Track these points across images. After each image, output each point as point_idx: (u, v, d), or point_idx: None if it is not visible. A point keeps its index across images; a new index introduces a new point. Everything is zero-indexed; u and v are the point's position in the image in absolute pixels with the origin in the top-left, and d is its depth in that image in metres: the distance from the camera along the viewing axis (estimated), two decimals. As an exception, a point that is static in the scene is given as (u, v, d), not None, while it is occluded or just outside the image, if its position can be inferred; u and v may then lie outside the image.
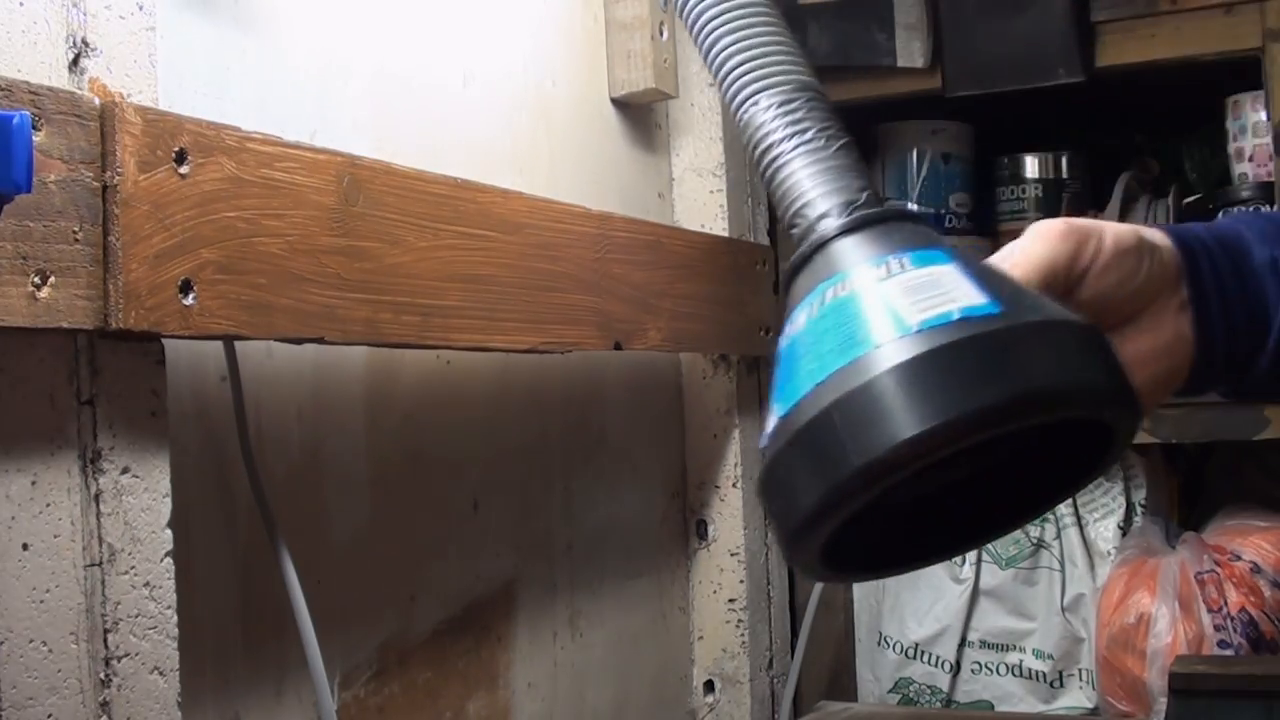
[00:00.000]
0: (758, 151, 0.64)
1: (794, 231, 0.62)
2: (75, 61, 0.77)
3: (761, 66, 0.64)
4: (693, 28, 0.66)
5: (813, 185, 0.62)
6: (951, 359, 0.53)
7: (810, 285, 0.59)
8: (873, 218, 0.59)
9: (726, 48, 0.64)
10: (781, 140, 0.63)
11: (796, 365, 0.57)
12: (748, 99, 0.64)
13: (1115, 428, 0.58)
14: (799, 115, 0.63)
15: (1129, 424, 0.58)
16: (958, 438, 0.52)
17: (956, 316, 0.53)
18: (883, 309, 0.55)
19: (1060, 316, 0.56)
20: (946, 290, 0.55)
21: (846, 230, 0.59)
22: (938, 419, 0.51)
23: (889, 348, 0.53)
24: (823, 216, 0.60)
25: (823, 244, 0.60)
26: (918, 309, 0.54)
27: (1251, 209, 1.51)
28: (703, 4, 0.65)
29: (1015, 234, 0.70)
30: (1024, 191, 1.76)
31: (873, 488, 0.53)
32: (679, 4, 0.66)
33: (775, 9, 0.66)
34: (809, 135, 0.63)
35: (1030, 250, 0.65)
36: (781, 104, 0.63)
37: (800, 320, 0.58)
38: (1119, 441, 0.59)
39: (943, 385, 0.52)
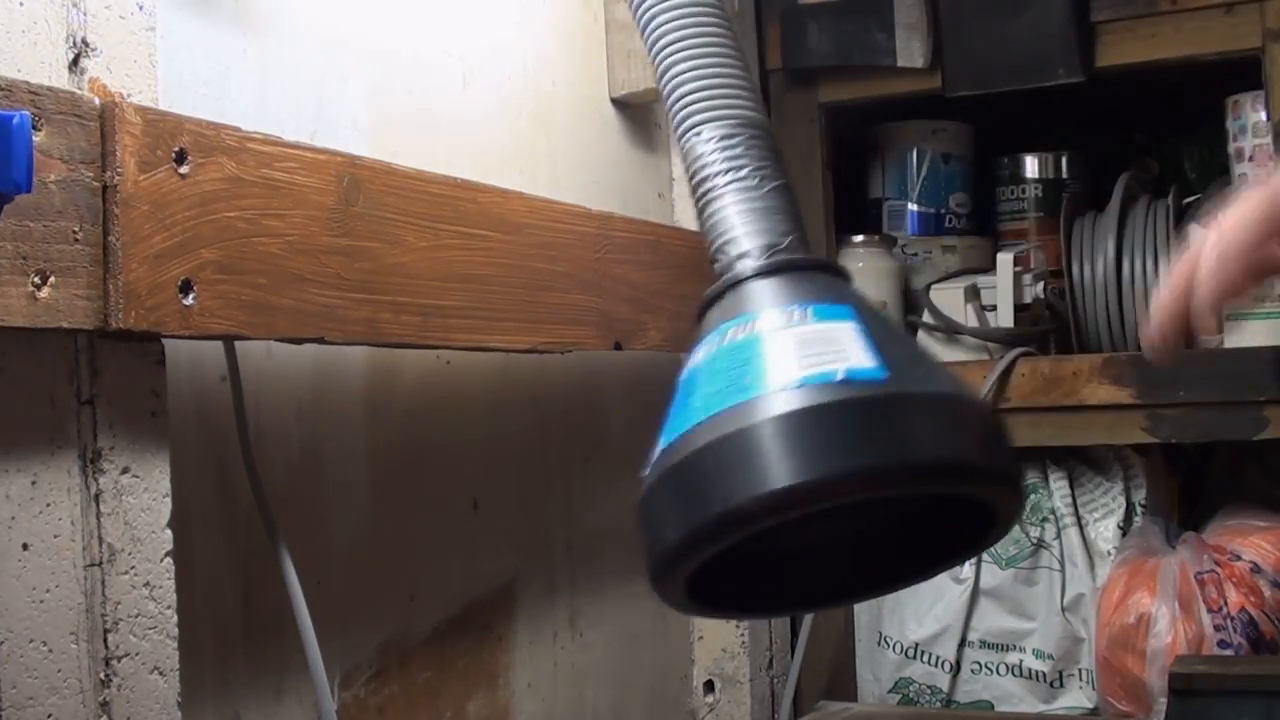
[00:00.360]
0: (694, 181, 0.65)
1: (715, 266, 0.63)
2: (75, 61, 0.77)
3: (709, 97, 0.64)
4: (650, 48, 0.67)
5: (739, 223, 0.63)
6: (826, 419, 0.53)
7: (718, 321, 0.60)
8: (788, 264, 0.60)
9: (678, 75, 0.65)
10: (716, 174, 0.64)
11: (688, 399, 0.58)
12: (691, 128, 0.65)
13: (993, 507, 0.58)
14: (737, 152, 0.64)
15: (1008, 505, 0.58)
16: (819, 497, 0.52)
17: (840, 377, 0.54)
18: (773, 358, 0.55)
19: (950, 390, 0.56)
20: (838, 348, 0.55)
21: (761, 273, 0.60)
22: (801, 477, 0.52)
23: (770, 398, 0.54)
24: (742, 256, 0.62)
25: (736, 283, 0.61)
26: (805, 364, 0.54)
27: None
28: (659, 24, 0.65)
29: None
30: (1024, 191, 1.76)
31: (731, 534, 0.54)
32: (639, 19, 0.67)
33: (732, 33, 0.66)
34: (744, 173, 0.63)
35: (1240, 206, 0.66)
36: (722, 138, 0.64)
37: (700, 355, 0.59)
38: (1001, 520, 0.59)
39: (813, 444, 0.52)
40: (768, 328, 0.57)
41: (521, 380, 1.27)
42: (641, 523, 0.58)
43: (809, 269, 0.61)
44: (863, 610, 1.70)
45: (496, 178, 1.15)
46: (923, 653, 1.63)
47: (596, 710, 1.37)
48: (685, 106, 0.65)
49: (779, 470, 0.52)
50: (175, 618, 0.81)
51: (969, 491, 0.56)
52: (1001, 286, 1.66)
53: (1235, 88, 1.55)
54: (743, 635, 1.54)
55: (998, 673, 1.61)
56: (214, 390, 0.93)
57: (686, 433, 0.56)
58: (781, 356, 0.55)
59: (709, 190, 0.64)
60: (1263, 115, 1.50)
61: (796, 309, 0.58)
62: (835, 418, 0.53)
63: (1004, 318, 1.66)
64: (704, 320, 0.62)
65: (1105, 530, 1.58)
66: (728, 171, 0.64)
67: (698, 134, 0.64)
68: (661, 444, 0.57)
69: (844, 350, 0.55)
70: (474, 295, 1.04)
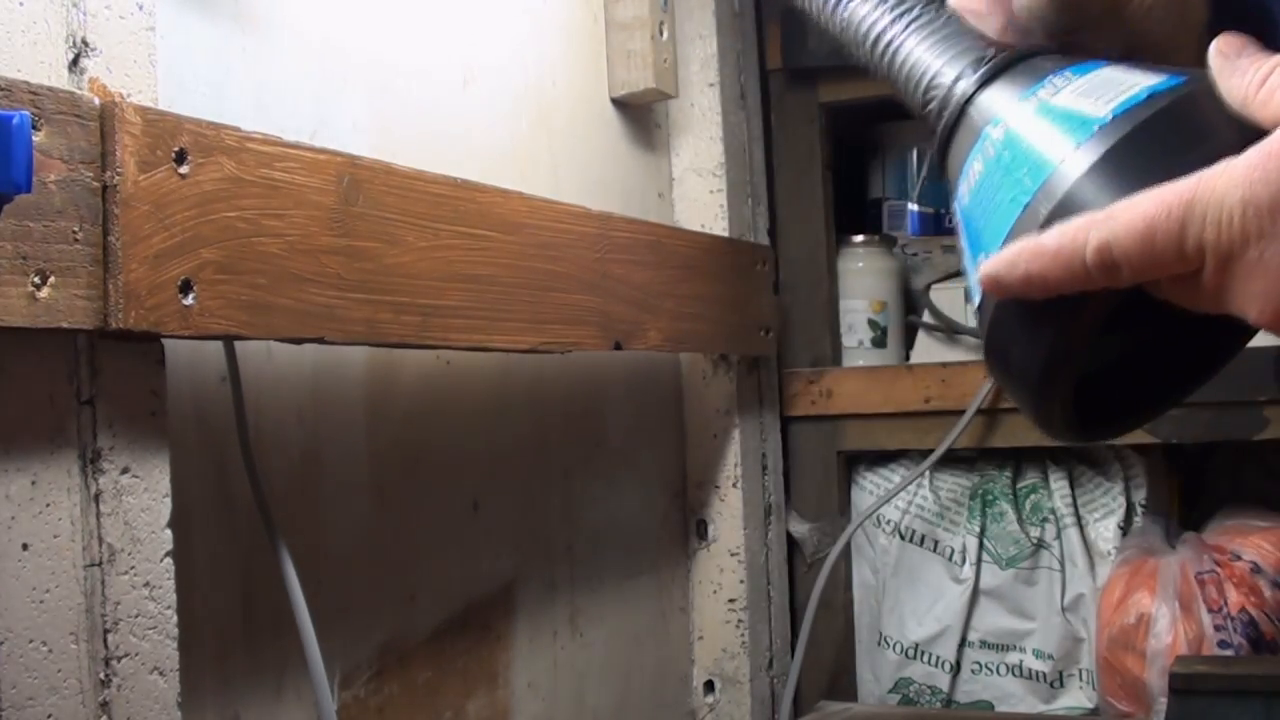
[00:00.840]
0: (867, 45, 0.63)
1: (930, 108, 0.60)
2: (75, 61, 0.77)
3: None
4: None
5: (935, 57, 0.61)
6: (1161, 125, 0.50)
7: (969, 141, 0.57)
8: (1009, 61, 0.58)
9: None
10: (889, 26, 0.62)
11: (989, 208, 0.54)
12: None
13: None
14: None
15: None
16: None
17: (1145, 95, 0.51)
18: (1066, 116, 0.53)
19: None
20: (1123, 81, 0.53)
21: (987, 80, 0.58)
22: (1174, 178, 0.48)
23: (1089, 143, 0.51)
24: (958, 79, 0.59)
25: (968, 100, 0.58)
26: (1103, 103, 0.52)
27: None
28: None
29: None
30: (1024, 191, 1.76)
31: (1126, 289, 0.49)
32: None
33: None
34: (915, 13, 0.62)
35: None
36: None
37: (975, 169, 0.56)
38: None
39: (1163, 150, 0.50)
40: (1037, 103, 0.54)
41: (521, 380, 1.27)
42: (1001, 352, 0.53)
43: (1029, 57, 0.58)
44: (863, 610, 1.70)
45: (496, 178, 1.15)
46: (923, 653, 1.63)
47: (596, 710, 1.37)
48: None
49: (1158, 177, 0.47)
50: (175, 618, 0.81)
51: None
52: (1002, 286, 1.65)
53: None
54: (743, 635, 1.55)
55: (998, 673, 1.61)
56: (214, 390, 0.93)
57: (1013, 228, 0.51)
58: (1074, 111, 0.52)
59: (889, 44, 0.62)
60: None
61: (1052, 78, 0.55)
62: (1175, 119, 0.50)
63: (1004, 317, 1.66)
64: (949, 155, 0.59)
65: (1105, 530, 1.58)
66: (900, 18, 0.62)
67: (851, 0, 0.64)
68: (979, 267, 0.53)
69: (1129, 80, 0.52)
70: (474, 295, 1.04)
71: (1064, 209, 0.50)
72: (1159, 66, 0.55)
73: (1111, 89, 0.53)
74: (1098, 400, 0.57)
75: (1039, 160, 0.53)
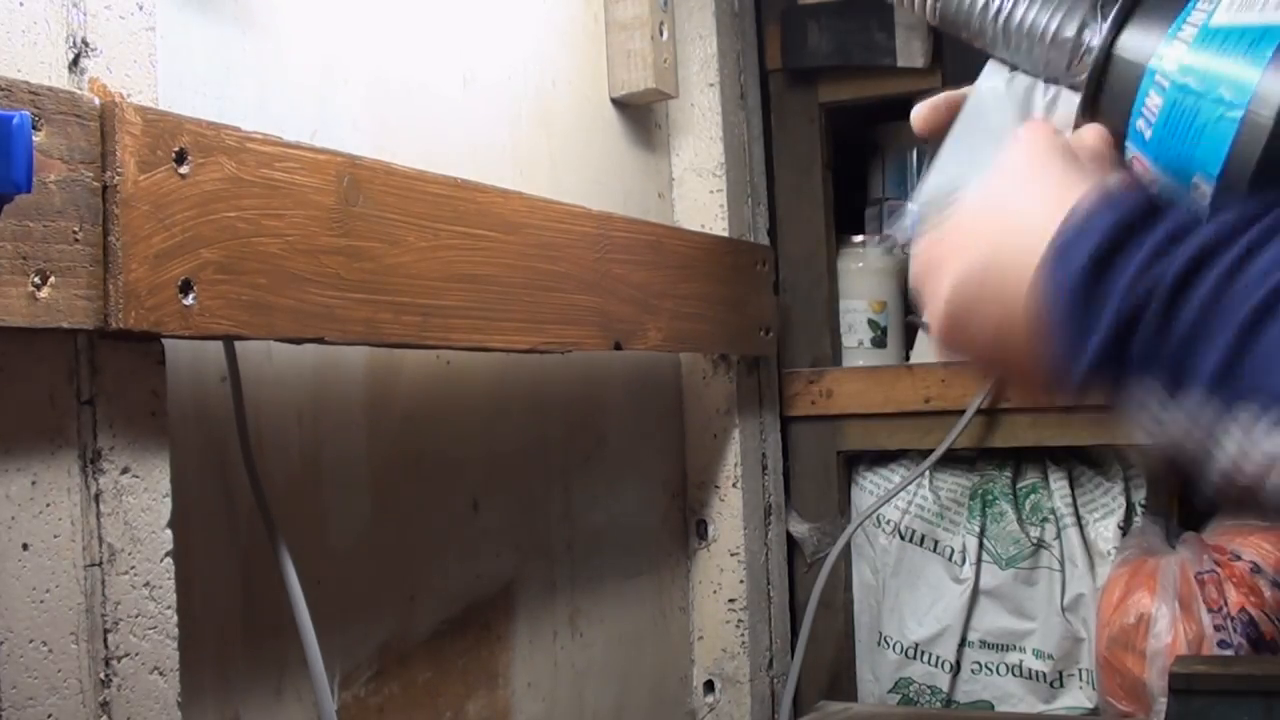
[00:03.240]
0: (974, 18, 0.65)
1: (1067, 65, 0.62)
2: (75, 61, 0.77)
3: None
4: None
5: (1049, 16, 0.62)
6: None
7: (1129, 83, 0.59)
8: (1131, 2, 0.60)
9: None
10: None
11: (1189, 133, 0.57)
12: None
13: None
14: None
15: None
16: None
17: None
18: (1240, 33, 0.55)
19: None
20: None
21: (1121, 22, 0.60)
22: None
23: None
24: (1083, 29, 0.61)
25: (1110, 45, 0.60)
26: (1273, 9, 0.55)
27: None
28: None
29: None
30: (1024, 191, 1.76)
31: None
32: None
33: None
34: None
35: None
36: None
37: (1153, 103, 0.58)
38: None
39: None
40: (1196, 32, 0.57)
41: (521, 380, 1.27)
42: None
43: None
44: (863, 610, 1.70)
45: (496, 178, 1.15)
46: (923, 653, 1.63)
47: (596, 710, 1.37)
48: None
49: None
50: (175, 618, 0.81)
51: None
52: (1002, 286, 1.65)
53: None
54: (743, 635, 1.55)
55: (998, 673, 1.61)
56: (214, 390, 0.93)
57: (1237, 142, 0.54)
58: (1245, 31, 0.55)
59: (999, 10, 0.64)
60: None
61: (1196, 5, 0.57)
62: None
63: (1004, 318, 1.66)
64: (1102, 109, 0.61)
65: (1105, 530, 1.58)
66: None
67: None
68: (1208, 186, 0.56)
69: None
70: (474, 295, 1.04)
71: None
72: None
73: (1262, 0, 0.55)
74: None
75: (1235, 77, 0.55)
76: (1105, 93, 0.61)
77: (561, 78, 1.35)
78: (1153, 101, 0.58)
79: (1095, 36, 0.60)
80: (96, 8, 0.78)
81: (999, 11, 0.64)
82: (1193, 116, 0.56)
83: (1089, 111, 0.62)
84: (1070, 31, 0.61)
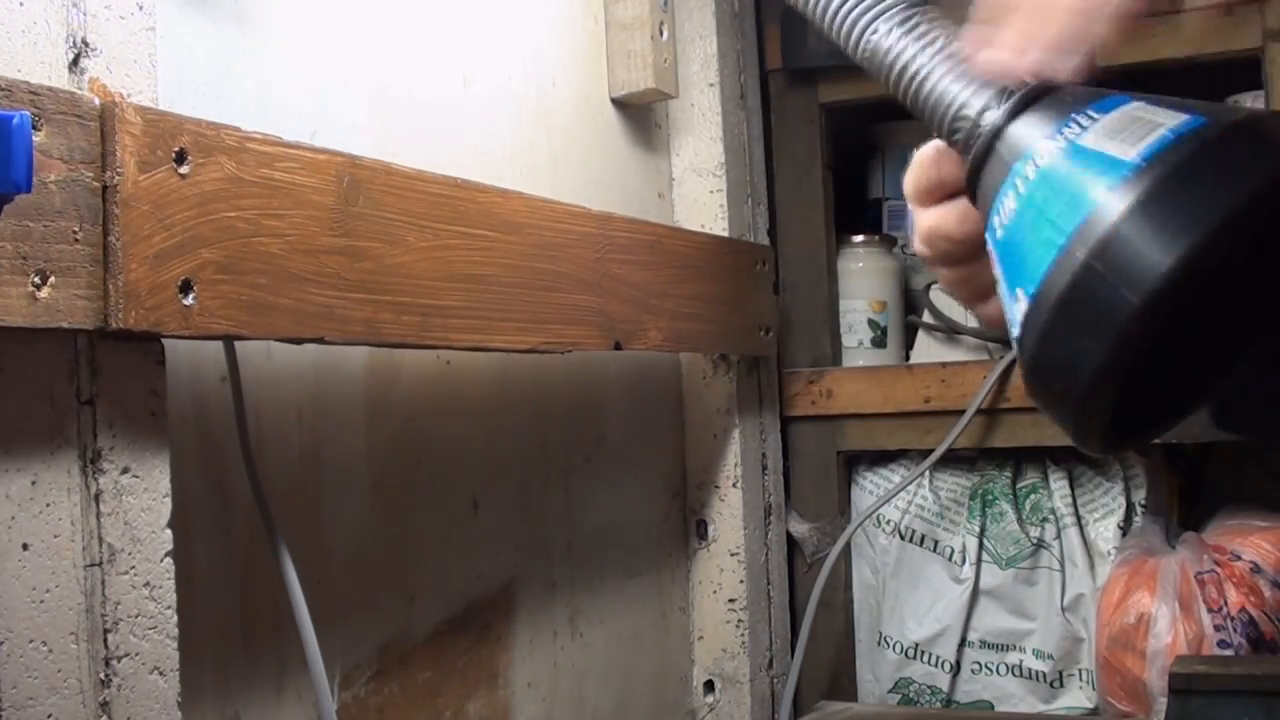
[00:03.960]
0: (893, 75, 0.64)
1: (956, 139, 0.62)
2: (75, 61, 0.77)
3: None
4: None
5: (961, 88, 0.62)
6: (1192, 169, 0.53)
7: (999, 176, 0.59)
8: (1034, 94, 0.60)
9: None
10: (915, 56, 0.63)
11: (1024, 245, 0.56)
12: (865, 30, 0.64)
13: None
14: (923, 29, 0.64)
15: None
16: (1234, 231, 0.51)
17: (1172, 137, 0.54)
18: (1096, 158, 0.55)
19: (1257, 112, 0.56)
20: (1148, 120, 0.55)
21: (1015, 113, 0.60)
22: (1209, 222, 0.51)
23: (1123, 187, 0.53)
24: (984, 111, 0.61)
25: (997, 133, 0.60)
26: (1130, 144, 0.54)
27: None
28: None
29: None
30: (1024, 191, 1.76)
31: (1159, 319, 0.52)
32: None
33: None
34: (939, 44, 0.63)
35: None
36: (901, 23, 0.64)
37: (1008, 205, 0.58)
38: None
39: (1197, 194, 0.52)
40: (1065, 142, 0.57)
41: (521, 380, 1.27)
42: (1043, 371, 0.56)
43: (1054, 91, 0.60)
44: (863, 610, 1.70)
45: (496, 178, 1.15)
46: (923, 653, 1.63)
47: (596, 710, 1.37)
48: (850, 12, 0.65)
49: (1187, 224, 0.51)
50: (175, 618, 0.81)
51: None
52: (1002, 286, 1.66)
53: (1235, 88, 1.55)
54: (743, 635, 1.55)
55: (998, 673, 1.61)
56: (214, 390, 0.93)
57: (1052, 266, 0.54)
58: (1102, 152, 0.55)
59: (914, 74, 0.63)
60: (1263, 115, 1.50)
61: (1077, 117, 0.57)
62: (1200, 163, 0.52)
63: (1004, 318, 1.66)
64: (980, 187, 0.61)
65: (1105, 530, 1.58)
66: (924, 49, 0.63)
67: (874, 31, 0.64)
68: (1027, 295, 0.56)
69: (1154, 119, 0.55)
70: (474, 295, 1.04)
71: (1100, 251, 0.53)
72: (1175, 102, 0.57)
73: (1137, 130, 0.55)
74: (1127, 409, 0.59)
75: (1072, 201, 0.55)
76: (982, 179, 0.61)
77: (561, 77, 1.35)
78: (1007, 203, 0.58)
79: (990, 119, 0.60)
80: (96, 8, 0.78)
81: (913, 77, 0.64)
82: (1029, 230, 0.57)
83: (971, 195, 0.63)
84: (973, 110, 0.61)
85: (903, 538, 1.65)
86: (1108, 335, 0.53)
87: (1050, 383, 0.56)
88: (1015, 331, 0.57)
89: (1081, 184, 0.55)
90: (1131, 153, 0.54)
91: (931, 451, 1.59)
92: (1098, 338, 0.53)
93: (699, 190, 1.56)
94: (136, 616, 0.79)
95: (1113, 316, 0.52)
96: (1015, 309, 0.57)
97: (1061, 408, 0.57)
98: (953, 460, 1.64)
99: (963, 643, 1.62)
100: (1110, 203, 0.53)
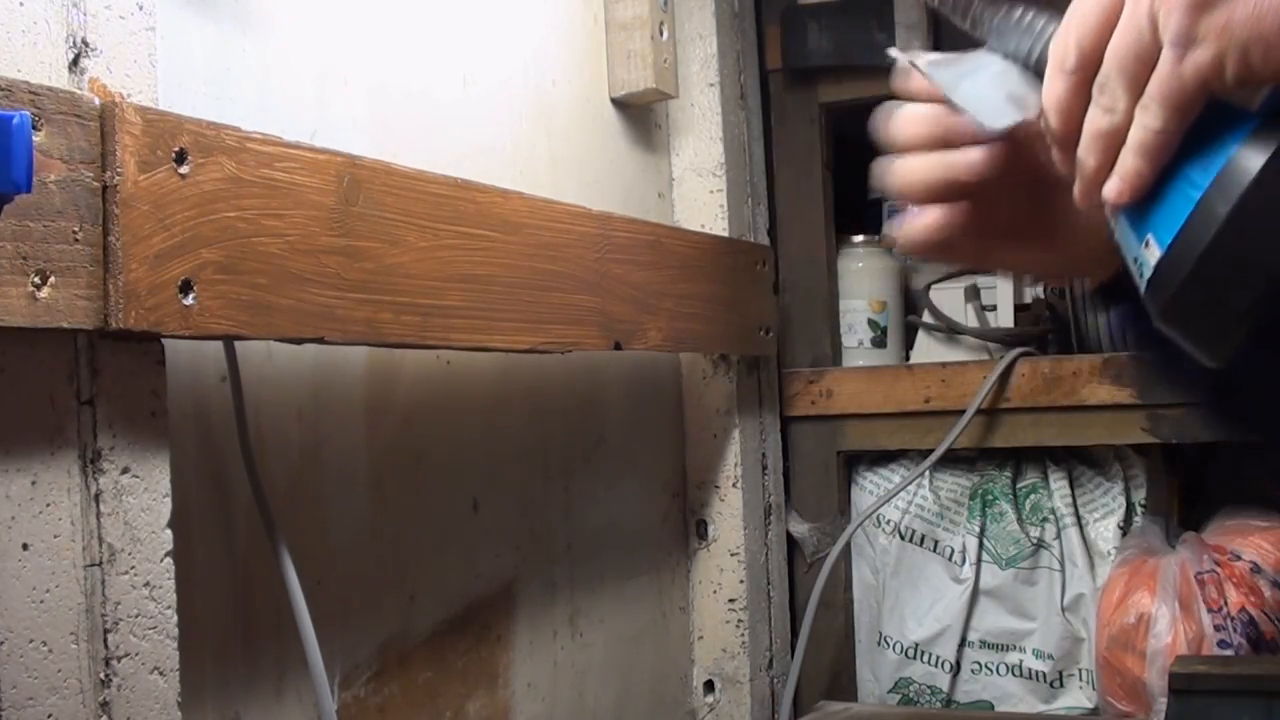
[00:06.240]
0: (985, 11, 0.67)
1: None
2: (75, 61, 0.77)
3: None
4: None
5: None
6: None
7: None
8: None
9: None
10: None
11: (1153, 191, 0.57)
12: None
13: None
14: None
15: None
16: None
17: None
18: (1220, 110, 0.56)
19: None
20: None
21: None
22: None
23: (1253, 139, 0.54)
24: None
25: None
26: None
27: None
28: None
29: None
30: (1024, 191, 1.76)
31: None
32: None
33: None
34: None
35: None
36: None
37: None
38: None
39: None
40: None
41: (521, 380, 1.27)
42: (1185, 319, 0.58)
43: None
44: (863, 610, 1.70)
45: (496, 178, 1.15)
46: (923, 653, 1.63)
47: (596, 710, 1.37)
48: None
49: None
50: (175, 618, 0.81)
51: None
52: (1001, 286, 1.66)
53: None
54: (743, 635, 1.55)
55: (998, 673, 1.61)
56: (214, 390, 0.93)
57: (1191, 221, 0.55)
58: (1224, 109, 0.56)
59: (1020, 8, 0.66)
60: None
61: None
62: None
63: (1004, 318, 1.66)
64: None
65: (1105, 530, 1.58)
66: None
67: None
68: (1157, 250, 0.57)
69: None
70: (474, 295, 1.04)
71: (1241, 208, 0.54)
72: None
73: None
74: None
75: (1208, 155, 0.56)
76: None
77: (561, 78, 1.35)
78: None
79: None
80: (96, 8, 0.78)
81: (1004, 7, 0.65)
82: (1167, 175, 0.57)
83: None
84: None
85: (903, 538, 1.65)
86: (1253, 289, 0.55)
87: (1191, 325, 0.58)
88: (1146, 274, 0.58)
89: (1210, 136, 0.56)
90: (1254, 102, 0.55)
91: (931, 451, 1.59)
92: (1243, 290, 0.55)
93: (699, 190, 1.56)
94: (136, 616, 0.79)
95: (1256, 273, 0.54)
96: (1143, 252, 0.58)
97: (1202, 342, 0.59)
98: (953, 460, 1.64)
99: (963, 643, 1.62)
100: (1244, 158, 0.54)
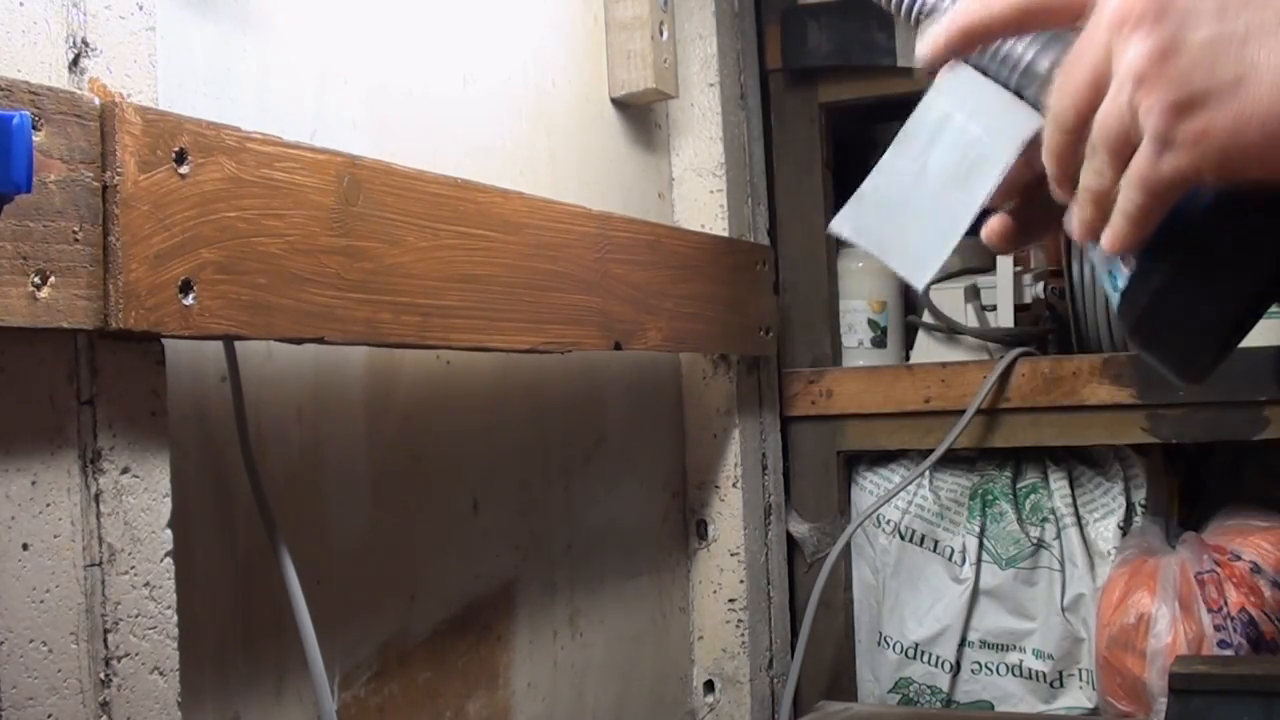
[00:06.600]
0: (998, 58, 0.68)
1: None
2: (75, 61, 0.77)
3: None
4: None
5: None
6: None
7: None
8: None
9: None
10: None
11: None
12: None
13: None
14: None
15: None
16: None
17: None
18: None
19: None
20: None
21: None
22: None
23: None
24: None
25: None
26: None
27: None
28: None
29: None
30: (1024, 191, 1.76)
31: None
32: None
33: None
34: None
35: None
36: None
37: None
38: None
39: None
40: None
41: (521, 380, 1.27)
42: (1172, 320, 0.59)
43: None
44: (863, 610, 1.70)
45: (496, 178, 1.15)
46: (923, 653, 1.63)
47: (596, 710, 1.37)
48: None
49: None
50: (175, 618, 0.81)
51: None
52: (1001, 286, 1.66)
53: None
54: (743, 635, 1.55)
55: (998, 673, 1.61)
56: (214, 390, 0.93)
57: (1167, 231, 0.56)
58: None
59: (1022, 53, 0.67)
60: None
61: None
62: None
63: (1004, 318, 1.66)
64: None
65: (1105, 530, 1.58)
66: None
67: None
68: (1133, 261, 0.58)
69: None
70: (474, 295, 1.04)
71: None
72: None
73: None
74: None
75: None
76: None
77: (561, 77, 1.35)
78: None
79: None
80: (96, 8, 0.78)
81: (1008, 54, 0.66)
82: None
83: None
84: None
85: (903, 538, 1.65)
86: (1236, 297, 0.56)
87: (1162, 334, 0.59)
88: (1119, 284, 0.60)
89: None
90: None
91: (931, 451, 1.59)
92: (1223, 301, 0.57)
93: (699, 190, 1.56)
94: (136, 616, 0.79)
95: (1227, 290, 0.56)
96: (1118, 266, 0.59)
97: (1171, 360, 0.60)
98: (953, 460, 1.64)
99: (963, 643, 1.62)
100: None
